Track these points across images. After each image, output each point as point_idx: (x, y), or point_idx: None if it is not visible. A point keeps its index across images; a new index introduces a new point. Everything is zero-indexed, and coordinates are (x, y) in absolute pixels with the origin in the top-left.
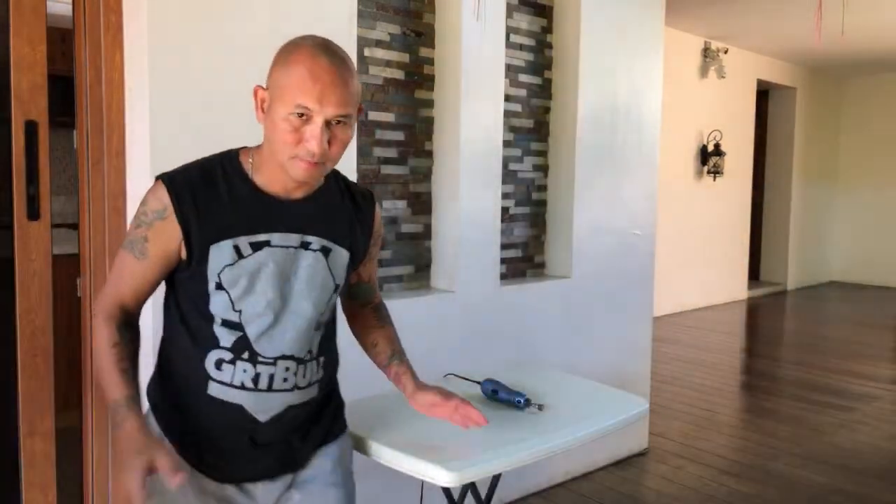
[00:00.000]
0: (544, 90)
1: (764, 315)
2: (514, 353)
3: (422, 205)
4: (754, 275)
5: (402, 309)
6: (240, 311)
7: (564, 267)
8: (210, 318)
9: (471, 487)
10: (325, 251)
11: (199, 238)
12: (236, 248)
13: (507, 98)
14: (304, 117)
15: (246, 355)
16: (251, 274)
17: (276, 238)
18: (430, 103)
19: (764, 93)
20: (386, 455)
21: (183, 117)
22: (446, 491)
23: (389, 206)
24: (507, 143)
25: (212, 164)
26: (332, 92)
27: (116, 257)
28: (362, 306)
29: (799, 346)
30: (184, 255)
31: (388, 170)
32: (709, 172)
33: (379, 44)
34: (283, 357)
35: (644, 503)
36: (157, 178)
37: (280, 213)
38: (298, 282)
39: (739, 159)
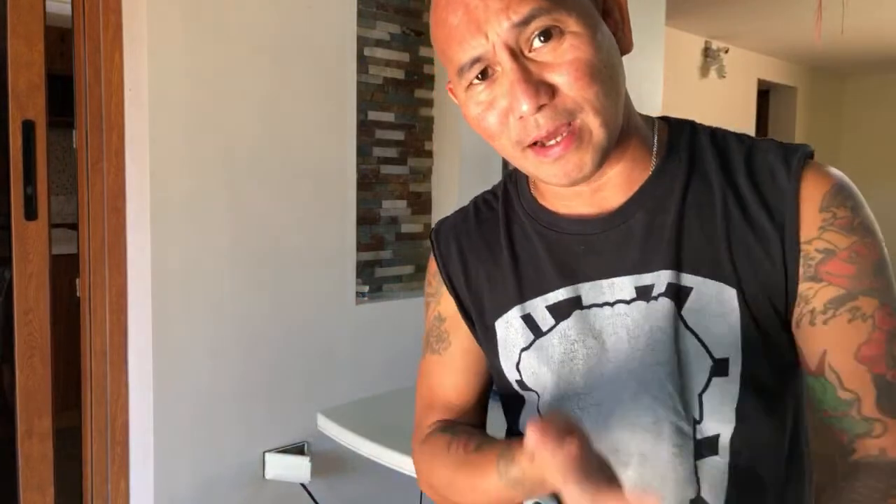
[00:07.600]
0: None
1: None
2: None
3: (422, 205)
4: None
5: (402, 309)
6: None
7: None
8: None
9: None
10: (678, 293)
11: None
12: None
13: None
14: (486, 72)
15: None
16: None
17: (585, 291)
18: (430, 103)
19: (764, 92)
20: (386, 456)
21: (182, 117)
22: None
23: (389, 206)
24: None
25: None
26: None
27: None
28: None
29: None
30: None
31: (387, 170)
32: None
33: (379, 43)
34: None
35: None
36: None
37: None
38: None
39: None
